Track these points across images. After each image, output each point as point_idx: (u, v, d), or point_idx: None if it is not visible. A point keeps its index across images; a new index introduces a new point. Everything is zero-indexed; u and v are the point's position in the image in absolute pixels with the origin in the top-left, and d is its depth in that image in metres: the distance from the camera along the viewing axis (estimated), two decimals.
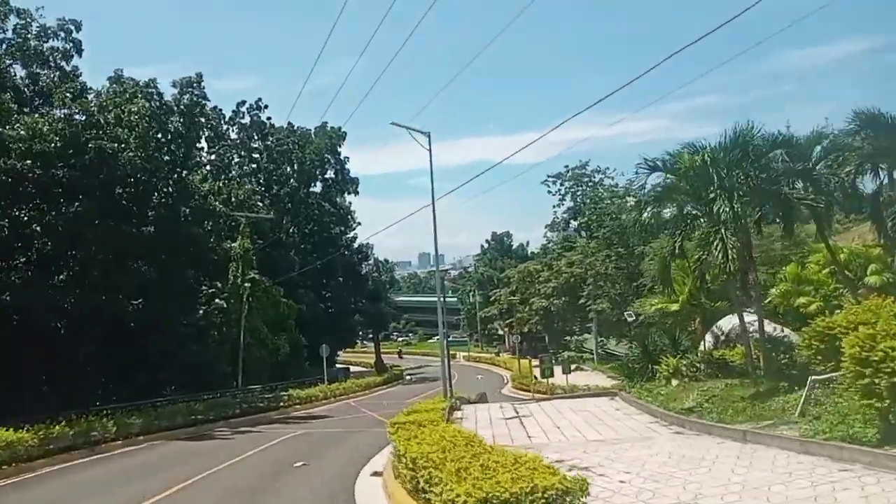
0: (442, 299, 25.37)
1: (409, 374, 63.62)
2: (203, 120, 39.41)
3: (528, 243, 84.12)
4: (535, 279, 60.06)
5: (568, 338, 62.23)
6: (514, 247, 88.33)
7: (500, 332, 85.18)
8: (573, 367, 42.41)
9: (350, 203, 68.51)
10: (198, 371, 38.00)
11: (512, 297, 63.09)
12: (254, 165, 57.11)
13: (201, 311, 40.92)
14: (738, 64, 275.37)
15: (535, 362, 38.25)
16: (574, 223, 57.34)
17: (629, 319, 37.34)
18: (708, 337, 21.98)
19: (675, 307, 20.84)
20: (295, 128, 58.84)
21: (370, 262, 73.06)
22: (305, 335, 50.75)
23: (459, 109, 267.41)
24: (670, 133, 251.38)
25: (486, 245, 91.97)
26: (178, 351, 35.87)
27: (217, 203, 37.15)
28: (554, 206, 57.94)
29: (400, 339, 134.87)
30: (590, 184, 55.92)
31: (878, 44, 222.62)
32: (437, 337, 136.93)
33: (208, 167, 48.31)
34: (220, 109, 55.53)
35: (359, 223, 70.74)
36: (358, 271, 70.84)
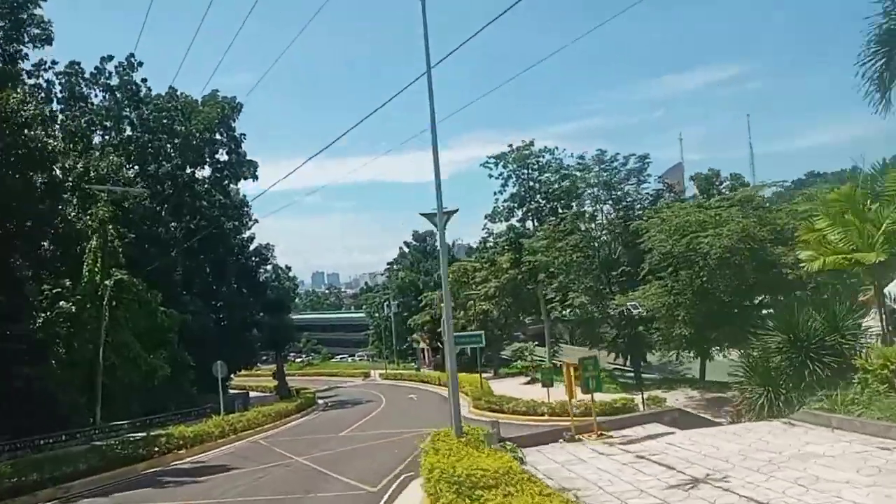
0: (446, 290, 16.18)
1: (322, 399, 52.86)
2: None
3: (454, 244, 75.25)
4: (470, 279, 51.28)
5: (514, 345, 53.89)
6: (437, 247, 79.06)
7: (420, 344, 75.67)
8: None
9: (244, 196, 57.11)
10: (31, 403, 26.33)
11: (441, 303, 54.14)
12: (124, 135, 44.71)
13: (40, 320, 28.97)
14: (623, 89, 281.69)
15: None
16: (519, 212, 49.29)
17: (633, 311, 29.13)
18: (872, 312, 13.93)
19: (870, 256, 12.32)
20: (178, 93, 46.98)
21: (269, 266, 61.55)
22: (192, 353, 39.25)
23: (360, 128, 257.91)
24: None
25: (404, 248, 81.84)
26: None
27: (50, 141, 25.49)
28: (496, 193, 49.88)
29: (298, 360, 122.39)
30: (535, 166, 48.06)
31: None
32: (341, 356, 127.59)
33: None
34: (80, 65, 43.26)
35: (255, 220, 59.28)
36: (256, 277, 59.23)
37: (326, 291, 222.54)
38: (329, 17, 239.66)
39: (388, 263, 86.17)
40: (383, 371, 75.35)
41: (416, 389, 51.88)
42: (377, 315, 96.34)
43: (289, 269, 73.76)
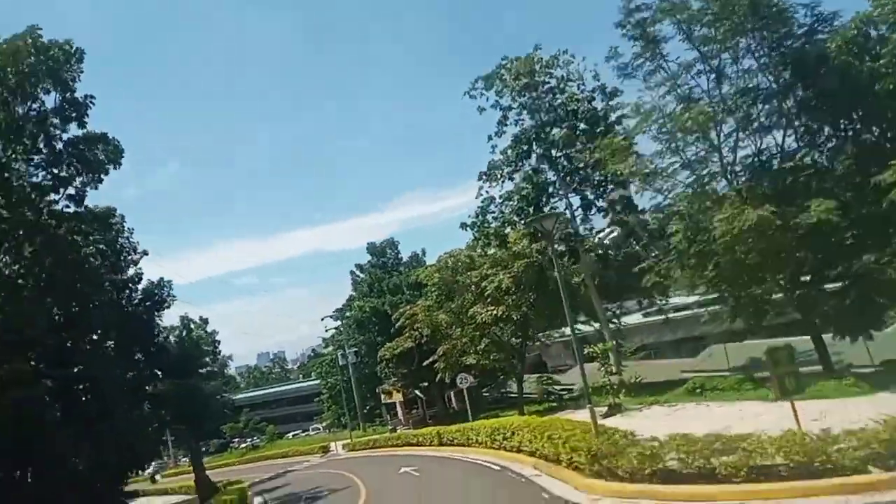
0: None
1: (264, 494, 34.20)
2: None
3: (423, 252, 57.59)
4: (469, 278, 34.16)
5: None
6: (403, 259, 60.34)
7: (393, 397, 57.30)
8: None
9: (112, 209, 38.68)
10: None
11: (429, 316, 36.36)
12: None
13: None
14: None
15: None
16: (533, 156, 32.04)
17: None
18: None
19: None
20: None
21: (164, 314, 42.77)
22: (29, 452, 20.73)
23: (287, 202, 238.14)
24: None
25: (356, 273, 63.42)
26: None
27: None
28: (490, 138, 32.81)
29: (243, 445, 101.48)
30: (550, 84, 31.61)
31: None
32: (293, 433, 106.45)
33: None
34: None
35: (144, 253, 41.00)
36: (149, 329, 40.40)
37: (270, 364, 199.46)
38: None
39: (335, 310, 66.62)
40: (347, 440, 56.34)
41: (406, 458, 33.85)
42: (330, 376, 77.52)
43: (205, 321, 54.79)
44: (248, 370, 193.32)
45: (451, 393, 55.17)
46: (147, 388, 38.82)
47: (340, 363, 63.77)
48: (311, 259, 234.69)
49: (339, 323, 61.46)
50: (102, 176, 33.90)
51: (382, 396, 59.82)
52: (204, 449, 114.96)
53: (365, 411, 73.37)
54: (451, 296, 36.70)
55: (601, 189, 31.16)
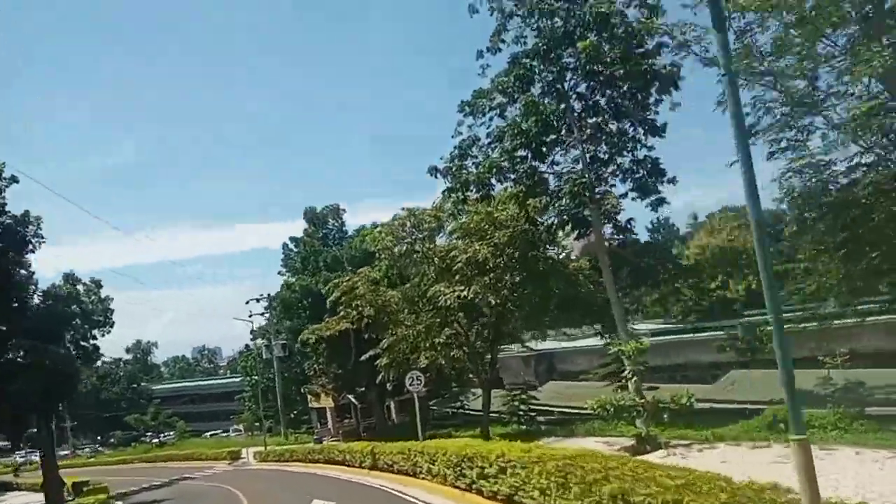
0: None
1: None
2: None
3: (376, 225, 47.76)
4: (431, 249, 25.39)
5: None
6: (348, 231, 50.42)
7: (321, 401, 47.67)
8: None
9: None
10: None
11: (373, 291, 27.42)
12: None
13: None
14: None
15: None
16: (538, 86, 22.97)
17: None
18: None
19: None
20: None
21: (29, 261, 33.00)
22: None
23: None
24: None
25: (289, 245, 53.22)
26: None
27: None
28: (481, 55, 23.32)
29: (155, 440, 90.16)
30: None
31: None
32: (212, 432, 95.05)
33: None
34: None
35: (13, 179, 31.91)
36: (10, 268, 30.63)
37: (199, 356, 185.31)
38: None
39: (262, 295, 54.81)
40: (260, 448, 46.45)
41: (324, 483, 24.64)
42: (255, 372, 67.19)
43: (98, 284, 44.37)
44: (175, 361, 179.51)
45: (392, 402, 46.01)
46: None
47: (264, 356, 53.96)
48: (261, 254, 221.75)
49: (263, 308, 51.28)
50: None
51: (309, 399, 50.03)
52: (102, 441, 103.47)
53: (292, 416, 63.39)
54: (405, 271, 27.87)
55: (625, 143, 22.92)
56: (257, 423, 66.80)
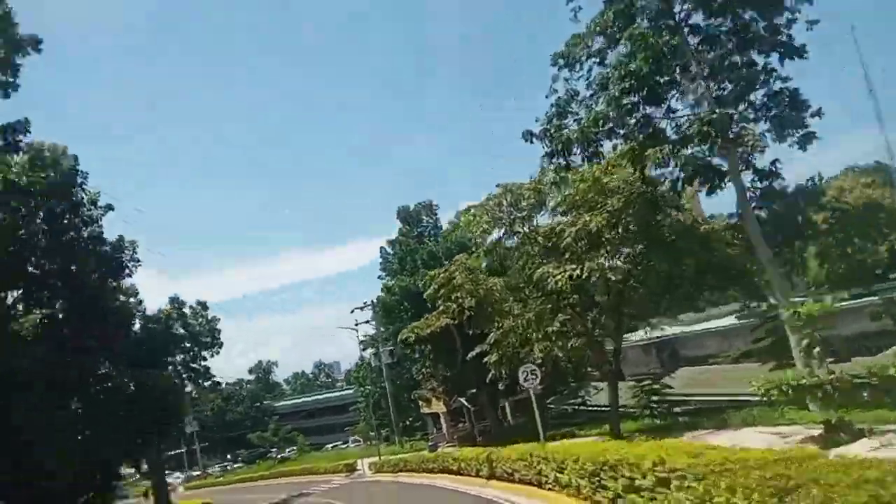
0: None
1: None
2: None
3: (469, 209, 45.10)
4: (535, 228, 22.42)
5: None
6: (443, 227, 48.02)
7: (432, 406, 45.56)
8: None
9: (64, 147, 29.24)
10: None
11: (473, 279, 24.67)
12: None
13: None
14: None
15: None
16: (643, 21, 19.03)
17: None
18: None
19: None
20: None
21: (129, 276, 32.63)
22: None
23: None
24: None
25: (386, 249, 51.40)
26: None
27: None
28: (571, 1, 20.32)
29: (278, 456, 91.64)
30: None
31: None
32: (332, 445, 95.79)
33: None
34: None
35: (108, 207, 31.78)
36: (101, 304, 30.21)
37: (317, 371, 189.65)
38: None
39: (367, 303, 52.93)
40: (375, 458, 44.86)
41: (437, 493, 22.13)
42: (367, 381, 66.36)
43: (204, 306, 44.33)
44: (296, 377, 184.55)
45: (507, 403, 43.03)
46: (91, 380, 28.32)
47: (373, 365, 52.55)
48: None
49: (370, 315, 49.80)
50: None
51: (421, 405, 48.00)
52: (231, 460, 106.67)
53: (407, 423, 61.91)
54: (505, 260, 24.95)
55: (756, 75, 18.87)
56: (372, 433, 65.98)
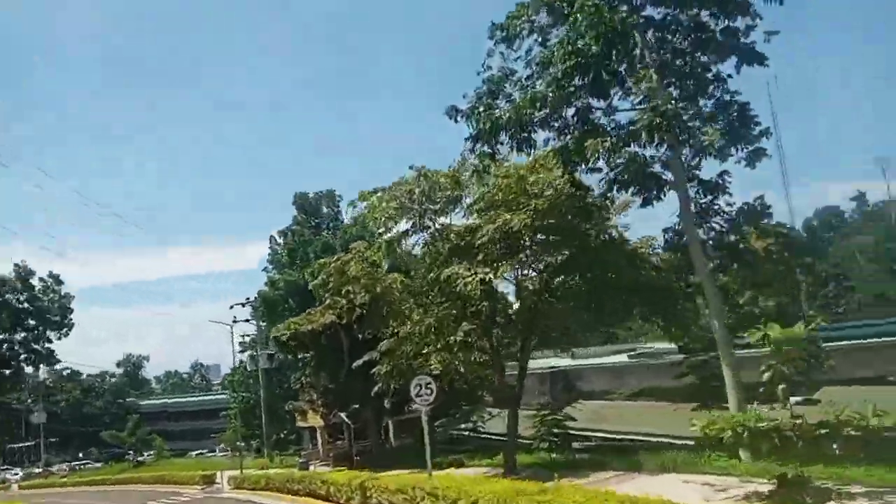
0: None
1: None
2: None
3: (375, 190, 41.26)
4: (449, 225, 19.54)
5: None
6: (343, 220, 43.68)
7: (308, 420, 41.47)
8: None
9: None
10: None
11: (370, 272, 21.38)
12: None
13: None
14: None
15: None
16: None
17: None
18: None
19: None
20: None
21: None
22: None
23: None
24: None
25: (276, 240, 46.55)
26: None
27: None
28: None
29: (135, 458, 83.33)
30: None
31: None
32: (198, 452, 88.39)
33: None
34: None
35: None
36: None
37: (192, 371, 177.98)
38: None
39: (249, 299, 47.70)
40: (237, 472, 40.12)
41: None
42: (242, 387, 61.11)
43: (58, 280, 38.42)
44: (168, 376, 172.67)
45: (391, 421, 39.63)
46: None
47: (248, 369, 47.81)
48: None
49: (249, 313, 45.06)
50: None
51: (296, 418, 43.71)
52: (82, 458, 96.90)
53: (281, 436, 57.18)
54: (408, 255, 21.94)
55: (707, 82, 17.07)
56: (241, 443, 60.77)
